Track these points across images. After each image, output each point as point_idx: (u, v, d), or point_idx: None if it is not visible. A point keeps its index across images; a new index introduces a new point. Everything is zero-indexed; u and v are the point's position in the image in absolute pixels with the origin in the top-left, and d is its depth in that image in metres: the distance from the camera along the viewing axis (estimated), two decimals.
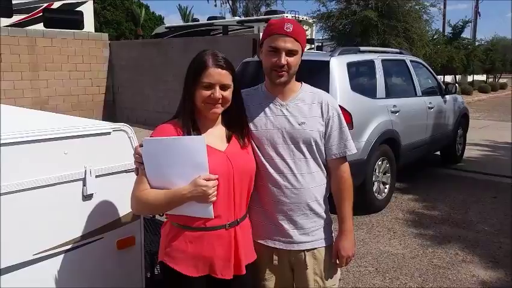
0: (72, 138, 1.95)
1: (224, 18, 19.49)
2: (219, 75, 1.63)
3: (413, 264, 3.70)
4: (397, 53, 6.24)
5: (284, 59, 1.75)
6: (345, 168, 1.90)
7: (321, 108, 1.86)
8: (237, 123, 1.77)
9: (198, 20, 19.42)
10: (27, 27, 10.40)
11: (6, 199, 1.75)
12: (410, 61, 6.03)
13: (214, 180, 1.58)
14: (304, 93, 1.89)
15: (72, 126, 2.00)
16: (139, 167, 1.64)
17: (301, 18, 14.35)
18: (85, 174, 1.97)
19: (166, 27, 17.99)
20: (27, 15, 11.00)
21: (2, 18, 10.29)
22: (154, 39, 15.67)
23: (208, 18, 17.15)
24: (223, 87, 1.65)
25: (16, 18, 10.81)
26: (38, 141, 1.84)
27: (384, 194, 5.09)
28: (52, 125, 2.01)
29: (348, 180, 1.91)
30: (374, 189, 4.89)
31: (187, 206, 1.61)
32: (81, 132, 1.99)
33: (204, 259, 1.66)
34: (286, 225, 1.85)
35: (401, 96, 5.49)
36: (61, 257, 1.95)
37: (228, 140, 1.74)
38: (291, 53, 1.76)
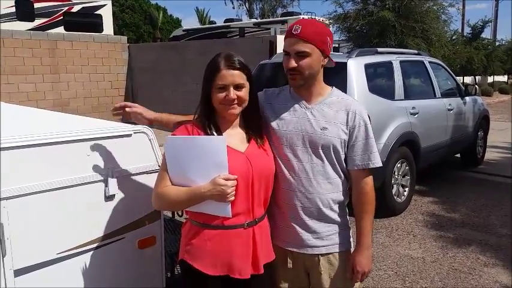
0: (94, 140, 1.98)
1: (241, 20, 19.56)
2: (232, 76, 1.65)
3: (434, 268, 3.65)
4: (415, 54, 6.17)
5: (293, 62, 1.73)
6: (368, 180, 1.84)
7: (347, 116, 1.80)
8: (254, 123, 1.78)
9: (215, 23, 19.51)
10: (48, 31, 10.61)
11: (30, 199, 1.79)
12: (429, 62, 5.96)
13: (233, 180, 1.61)
14: (332, 98, 1.85)
15: (94, 128, 2.04)
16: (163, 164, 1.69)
17: (317, 20, 14.30)
18: (107, 175, 2.01)
19: (183, 30, 18.13)
20: (48, 19, 11.23)
21: (24, 22, 10.52)
22: (172, 41, 15.81)
23: (225, 21, 17.21)
24: (238, 87, 1.67)
25: (38, 22, 11.05)
26: (62, 143, 1.88)
27: (403, 196, 5.04)
28: (75, 127, 2.05)
29: (369, 194, 1.84)
30: (393, 192, 4.84)
31: (206, 204, 1.63)
32: (103, 134, 2.02)
33: (222, 257, 1.68)
34: (299, 229, 1.84)
35: (420, 98, 5.43)
36: (84, 256, 1.98)
37: (248, 141, 1.75)
38: (300, 54, 1.73)
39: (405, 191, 5.08)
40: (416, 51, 6.46)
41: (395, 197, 4.90)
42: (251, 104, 1.74)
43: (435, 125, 5.58)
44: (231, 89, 1.65)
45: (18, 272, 1.79)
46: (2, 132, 1.84)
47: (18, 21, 10.50)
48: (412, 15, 11.09)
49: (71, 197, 1.91)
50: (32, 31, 10.21)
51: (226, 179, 1.59)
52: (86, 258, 1.99)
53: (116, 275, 2.10)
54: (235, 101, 1.67)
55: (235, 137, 1.74)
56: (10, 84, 9.36)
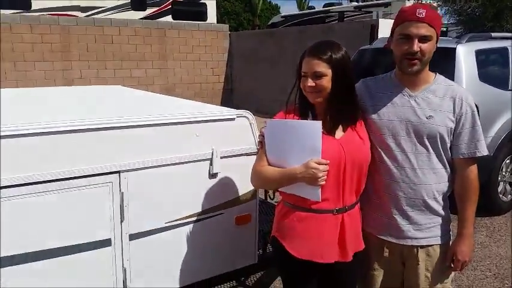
0: (203, 122, 2.17)
1: (341, 4, 19.08)
2: (311, 64, 1.69)
3: None
4: None
5: (417, 46, 1.68)
6: (473, 169, 1.79)
7: (454, 103, 1.75)
8: (348, 112, 1.77)
9: (313, 8, 19.30)
10: (158, 20, 11.38)
11: (146, 173, 2.03)
12: None
13: (325, 165, 1.64)
14: (437, 85, 1.80)
15: (203, 112, 2.23)
16: (262, 145, 1.79)
17: (424, 2, 13.43)
18: (212, 155, 2.18)
19: (282, 16, 18.21)
20: (158, 8, 12.01)
21: (137, 12, 11.39)
22: (270, 28, 16.00)
23: (324, 5, 16.91)
24: (316, 76, 1.68)
25: (149, 11, 11.87)
26: (176, 124, 2.10)
27: (509, 195, 4.68)
28: (186, 110, 2.27)
29: (474, 182, 1.80)
30: (499, 189, 4.51)
31: (298, 186, 1.70)
32: (210, 117, 2.21)
33: (309, 240, 1.74)
34: (401, 220, 1.82)
35: None
36: (188, 226, 2.20)
37: (344, 129, 1.76)
38: (424, 39, 1.69)
39: None
40: None
41: (501, 195, 4.57)
42: (342, 92, 1.72)
43: None
44: (308, 77, 1.70)
45: (132, 236, 2.05)
46: (125, 112, 2.09)
47: (132, 11, 11.38)
48: None
49: (180, 172, 2.12)
50: (143, 20, 11.03)
51: (319, 163, 1.64)
52: (190, 229, 2.20)
53: (214, 246, 2.30)
54: (313, 89, 1.70)
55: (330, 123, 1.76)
56: (124, 70, 10.27)
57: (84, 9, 10.57)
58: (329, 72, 1.68)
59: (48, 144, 1.81)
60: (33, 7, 9.80)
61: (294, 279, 1.84)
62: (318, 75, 1.68)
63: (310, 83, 1.69)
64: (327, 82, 1.69)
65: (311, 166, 1.63)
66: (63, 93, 3.51)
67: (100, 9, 10.90)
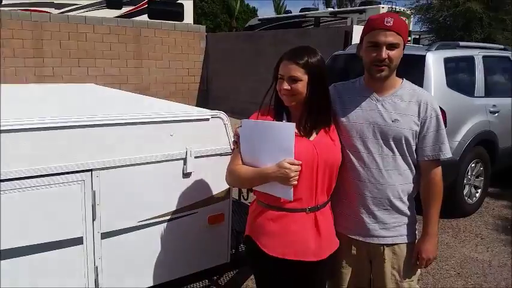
0: (177, 122, 2.19)
1: (317, 9, 19.34)
2: (287, 68, 1.74)
3: (500, 273, 3.51)
4: (500, 49, 5.80)
5: (385, 53, 1.76)
6: (437, 171, 1.88)
7: (419, 108, 1.83)
8: (323, 115, 1.82)
9: (290, 12, 19.51)
10: (133, 18, 11.25)
11: (119, 171, 2.03)
12: None
13: (298, 165, 1.69)
14: (403, 90, 1.88)
15: (178, 112, 2.25)
16: (237, 145, 1.82)
17: (398, 9, 13.78)
18: (186, 154, 2.20)
19: (259, 20, 18.34)
20: (134, 7, 11.87)
21: (112, 10, 11.24)
22: (247, 31, 16.08)
23: (301, 10, 17.13)
24: (292, 80, 1.73)
25: (124, 9, 11.72)
26: (150, 123, 2.11)
27: (474, 198, 4.86)
28: (161, 110, 2.28)
29: (438, 184, 1.88)
30: (464, 192, 4.68)
31: (270, 185, 1.74)
32: (185, 117, 2.22)
33: (282, 238, 1.77)
34: (367, 219, 1.89)
35: (502, 96, 5.12)
36: (161, 226, 2.20)
37: (317, 131, 1.82)
38: (392, 46, 1.76)
39: (477, 192, 4.89)
40: (502, 46, 6.06)
41: (466, 198, 4.74)
42: (317, 97, 1.78)
43: None
44: (284, 80, 1.75)
45: (104, 235, 2.04)
46: (98, 110, 2.08)
47: (107, 9, 11.22)
48: (502, 7, 10.31)
49: (154, 171, 2.13)
50: (119, 18, 10.87)
51: (291, 164, 1.68)
52: (163, 228, 2.21)
53: (186, 245, 2.31)
54: (288, 93, 1.75)
55: (305, 125, 1.81)
56: (98, 68, 10.11)
57: (58, 6, 10.36)
58: (305, 77, 1.73)
59: (19, 142, 1.79)
60: (4, 2, 9.55)
61: (266, 278, 1.87)
62: (293, 79, 1.73)
63: (286, 86, 1.74)
64: (302, 87, 1.74)
65: (283, 166, 1.67)
66: (36, 91, 3.45)
67: (74, 7, 10.71)
